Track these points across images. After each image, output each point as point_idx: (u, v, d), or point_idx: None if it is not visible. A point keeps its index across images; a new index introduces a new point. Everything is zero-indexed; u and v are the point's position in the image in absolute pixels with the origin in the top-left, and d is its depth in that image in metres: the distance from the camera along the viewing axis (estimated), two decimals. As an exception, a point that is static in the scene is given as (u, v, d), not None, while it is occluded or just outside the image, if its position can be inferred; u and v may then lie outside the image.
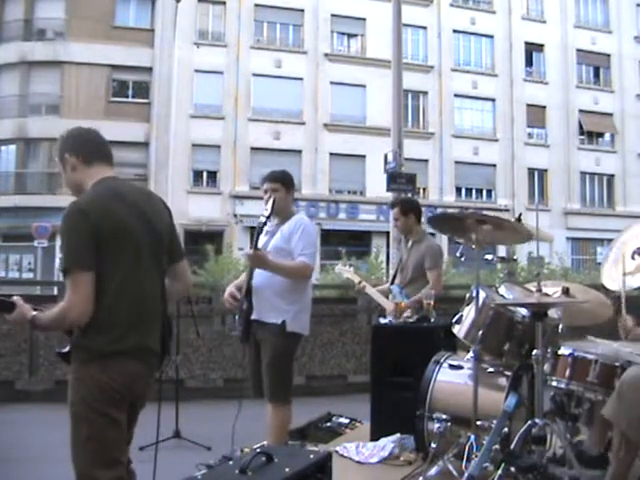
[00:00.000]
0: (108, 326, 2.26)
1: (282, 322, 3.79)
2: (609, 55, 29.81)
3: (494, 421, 3.28)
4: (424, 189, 25.81)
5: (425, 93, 26.96)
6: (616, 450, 2.93)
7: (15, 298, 2.31)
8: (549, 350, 3.39)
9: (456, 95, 27.50)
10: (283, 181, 4.00)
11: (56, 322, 2.27)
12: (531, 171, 28.19)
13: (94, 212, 2.26)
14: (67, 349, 2.35)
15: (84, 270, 2.21)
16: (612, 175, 29.41)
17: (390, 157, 11.11)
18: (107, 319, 2.25)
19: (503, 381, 3.52)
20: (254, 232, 3.94)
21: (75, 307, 2.20)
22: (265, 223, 3.78)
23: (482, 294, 3.60)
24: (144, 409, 2.48)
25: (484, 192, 27.89)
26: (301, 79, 25.69)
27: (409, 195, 10.65)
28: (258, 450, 2.31)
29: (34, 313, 2.27)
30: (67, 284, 2.22)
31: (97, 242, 2.23)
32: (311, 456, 2.42)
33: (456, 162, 26.98)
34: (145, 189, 2.64)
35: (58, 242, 19.28)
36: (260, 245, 3.94)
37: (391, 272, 7.10)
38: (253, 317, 3.85)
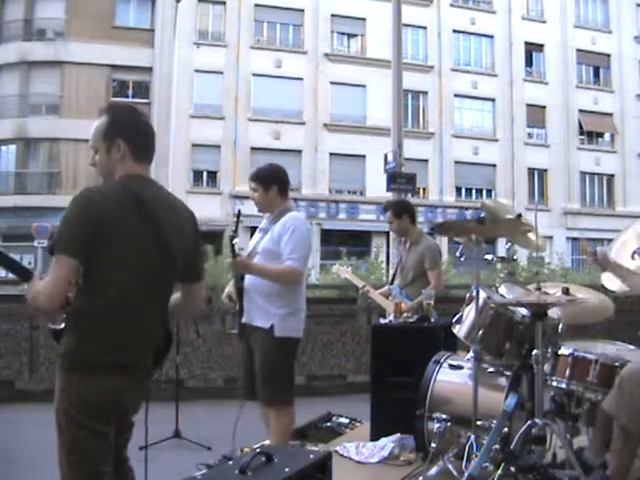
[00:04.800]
0: (103, 333, 2.16)
1: (270, 326, 3.69)
2: (609, 55, 29.80)
3: (494, 421, 3.28)
4: (424, 189, 25.83)
5: (425, 93, 26.96)
6: (616, 445, 2.93)
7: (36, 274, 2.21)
8: (549, 350, 3.40)
9: (456, 95, 27.50)
10: (261, 180, 3.87)
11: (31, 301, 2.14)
12: (531, 171, 28.19)
13: (102, 206, 2.13)
14: (62, 326, 2.22)
15: (68, 255, 2.08)
16: (612, 175, 29.41)
17: (390, 157, 11.13)
18: (103, 324, 2.15)
19: (503, 381, 3.52)
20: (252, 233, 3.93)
21: (46, 288, 2.07)
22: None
23: (482, 294, 3.60)
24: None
25: (484, 192, 27.85)
26: (301, 79, 25.69)
27: (408, 195, 10.67)
28: (258, 450, 2.30)
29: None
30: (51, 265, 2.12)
31: (96, 236, 2.10)
32: (311, 456, 2.41)
33: (456, 162, 26.97)
34: (174, 201, 2.41)
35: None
36: (252, 244, 3.97)
37: (391, 272, 7.10)
38: (243, 320, 3.81)
